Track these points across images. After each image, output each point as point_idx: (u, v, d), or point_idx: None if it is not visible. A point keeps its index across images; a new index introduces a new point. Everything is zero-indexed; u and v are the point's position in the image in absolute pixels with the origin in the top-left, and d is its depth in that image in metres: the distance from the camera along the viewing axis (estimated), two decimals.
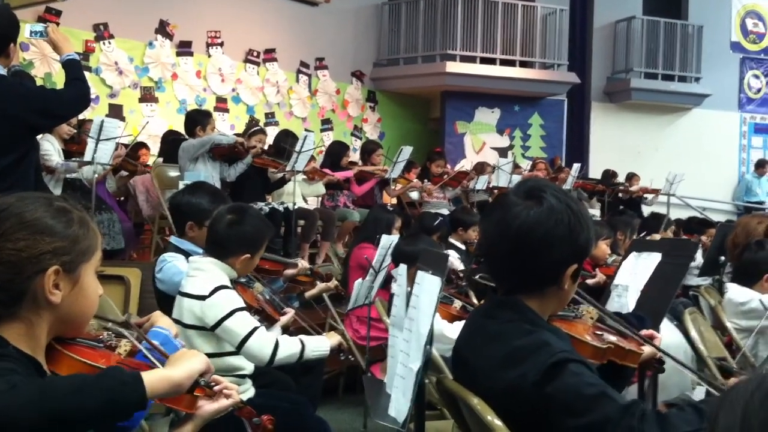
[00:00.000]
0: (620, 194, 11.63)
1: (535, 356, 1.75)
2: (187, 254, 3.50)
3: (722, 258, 5.31)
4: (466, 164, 10.69)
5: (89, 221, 1.70)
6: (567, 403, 1.69)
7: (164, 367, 1.70)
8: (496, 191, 9.21)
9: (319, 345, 3.18)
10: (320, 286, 4.38)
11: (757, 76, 16.29)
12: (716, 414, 0.82)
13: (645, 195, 11.83)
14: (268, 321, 3.36)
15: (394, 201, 9.00)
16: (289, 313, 3.47)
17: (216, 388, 1.77)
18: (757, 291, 4.00)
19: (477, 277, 4.51)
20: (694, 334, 3.84)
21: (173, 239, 3.80)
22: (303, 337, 3.19)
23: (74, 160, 6.00)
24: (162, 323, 1.94)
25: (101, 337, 1.80)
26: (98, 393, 1.51)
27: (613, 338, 2.18)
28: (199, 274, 3.08)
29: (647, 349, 2.25)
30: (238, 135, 7.90)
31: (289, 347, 3.07)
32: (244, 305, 3.05)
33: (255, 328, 2.99)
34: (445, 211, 8.22)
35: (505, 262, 1.92)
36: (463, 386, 1.92)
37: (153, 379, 1.61)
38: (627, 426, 1.64)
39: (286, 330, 3.45)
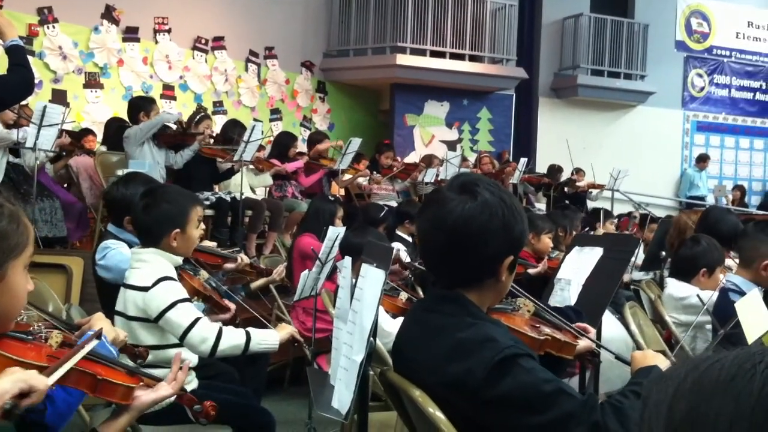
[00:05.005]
0: (566, 189, 11.76)
1: (481, 351, 1.75)
2: (129, 244, 3.45)
3: (663, 253, 5.43)
4: (415, 157, 10.69)
5: (21, 216, 1.65)
6: (524, 400, 1.69)
7: None
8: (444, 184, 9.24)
9: (267, 338, 3.09)
10: (267, 277, 4.36)
11: (700, 75, 16.61)
12: (651, 389, 0.84)
13: (590, 190, 11.98)
14: (217, 308, 3.34)
15: (342, 192, 8.99)
16: (231, 310, 3.41)
17: (172, 375, 1.77)
18: (695, 285, 4.09)
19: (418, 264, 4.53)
20: (633, 327, 3.93)
21: (111, 228, 3.73)
22: (250, 329, 3.10)
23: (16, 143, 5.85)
24: (100, 326, 1.89)
25: (31, 329, 1.74)
26: None
27: (548, 330, 2.23)
28: (142, 266, 3.04)
29: (582, 342, 2.29)
30: (182, 122, 7.78)
31: (233, 339, 2.99)
32: (186, 296, 3.01)
33: (197, 319, 2.94)
34: (394, 204, 8.24)
35: (443, 256, 1.92)
36: (405, 379, 1.93)
37: None
38: (592, 422, 1.66)
39: (233, 322, 3.39)
